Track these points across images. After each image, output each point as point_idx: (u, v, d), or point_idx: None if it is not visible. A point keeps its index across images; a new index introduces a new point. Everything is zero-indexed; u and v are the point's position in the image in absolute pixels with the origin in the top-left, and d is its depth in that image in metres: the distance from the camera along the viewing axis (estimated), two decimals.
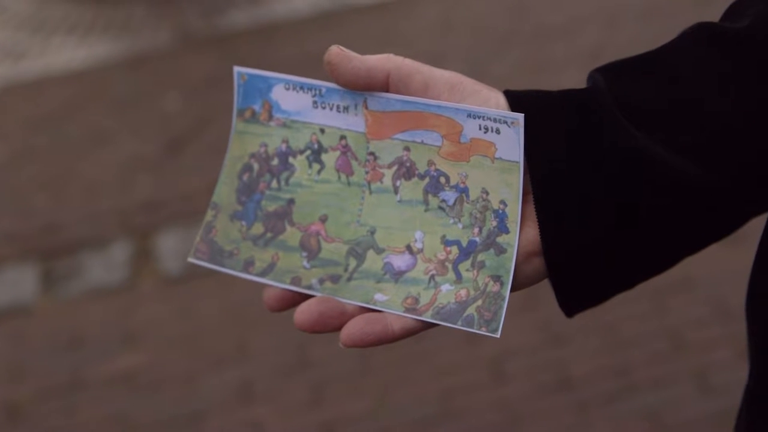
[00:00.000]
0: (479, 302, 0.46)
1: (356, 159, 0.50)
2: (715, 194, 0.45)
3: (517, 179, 0.46)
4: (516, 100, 0.46)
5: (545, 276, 0.47)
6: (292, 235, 0.51)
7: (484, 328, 0.46)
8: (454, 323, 0.46)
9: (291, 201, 0.51)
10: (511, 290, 0.46)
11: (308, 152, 0.51)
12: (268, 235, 0.51)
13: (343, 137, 0.50)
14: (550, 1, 3.32)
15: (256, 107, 0.52)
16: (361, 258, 0.49)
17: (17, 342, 2.17)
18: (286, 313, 0.51)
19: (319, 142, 0.50)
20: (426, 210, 0.48)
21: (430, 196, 0.48)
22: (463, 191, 0.48)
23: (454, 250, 0.48)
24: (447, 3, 3.41)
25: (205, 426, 1.87)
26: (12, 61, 3.47)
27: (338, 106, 0.49)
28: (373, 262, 0.49)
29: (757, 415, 0.49)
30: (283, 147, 0.51)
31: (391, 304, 0.47)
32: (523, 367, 1.88)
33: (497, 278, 0.46)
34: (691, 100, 0.45)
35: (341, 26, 3.34)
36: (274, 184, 0.51)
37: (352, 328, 0.46)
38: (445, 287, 0.47)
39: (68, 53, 3.45)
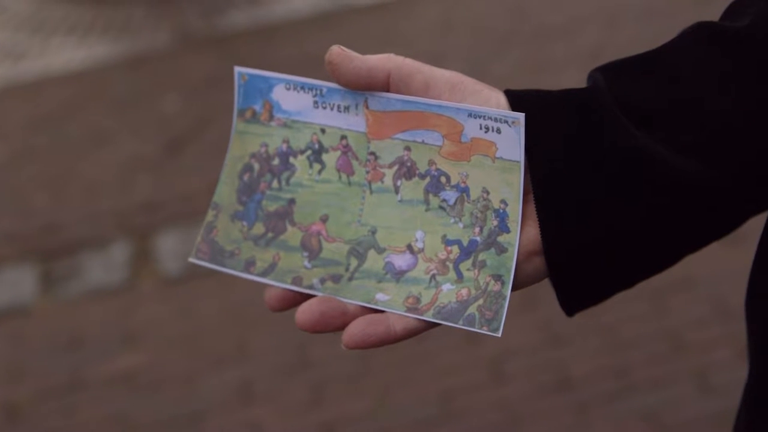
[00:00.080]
0: (480, 301, 0.46)
1: (357, 159, 0.50)
2: (716, 193, 0.45)
3: (517, 179, 0.46)
4: (517, 99, 0.47)
5: (546, 275, 0.47)
6: (293, 235, 0.51)
7: (485, 328, 0.46)
8: (456, 323, 0.47)
9: (292, 201, 0.51)
10: (512, 289, 0.46)
11: (309, 152, 0.51)
12: (269, 235, 0.51)
13: (343, 137, 0.50)
14: (550, 1, 3.32)
15: (257, 107, 0.52)
16: (362, 258, 0.49)
17: (17, 342, 2.17)
18: (286, 313, 0.51)
19: (319, 142, 0.50)
20: (427, 209, 0.49)
21: (430, 196, 0.48)
22: (463, 191, 0.48)
23: (455, 249, 0.48)
24: (447, 3, 3.41)
25: (205, 426, 1.87)
26: (12, 62, 3.47)
27: (339, 106, 0.50)
28: (374, 261, 0.49)
29: (757, 415, 0.49)
30: (284, 147, 0.51)
31: (392, 303, 0.48)
32: (523, 367, 1.88)
33: (498, 277, 0.46)
34: (692, 100, 0.45)
35: (341, 26, 3.34)
36: (274, 184, 0.51)
37: (354, 330, 0.46)
38: (446, 287, 0.47)
39: (68, 53, 3.45)
